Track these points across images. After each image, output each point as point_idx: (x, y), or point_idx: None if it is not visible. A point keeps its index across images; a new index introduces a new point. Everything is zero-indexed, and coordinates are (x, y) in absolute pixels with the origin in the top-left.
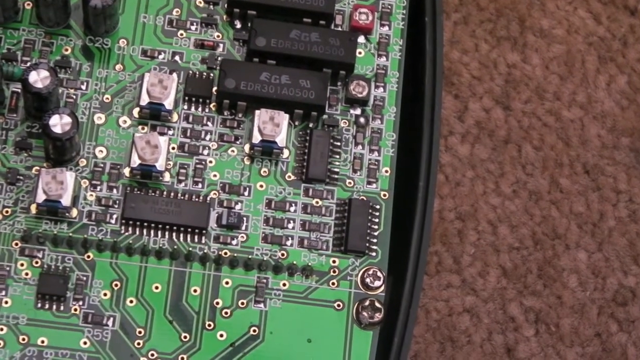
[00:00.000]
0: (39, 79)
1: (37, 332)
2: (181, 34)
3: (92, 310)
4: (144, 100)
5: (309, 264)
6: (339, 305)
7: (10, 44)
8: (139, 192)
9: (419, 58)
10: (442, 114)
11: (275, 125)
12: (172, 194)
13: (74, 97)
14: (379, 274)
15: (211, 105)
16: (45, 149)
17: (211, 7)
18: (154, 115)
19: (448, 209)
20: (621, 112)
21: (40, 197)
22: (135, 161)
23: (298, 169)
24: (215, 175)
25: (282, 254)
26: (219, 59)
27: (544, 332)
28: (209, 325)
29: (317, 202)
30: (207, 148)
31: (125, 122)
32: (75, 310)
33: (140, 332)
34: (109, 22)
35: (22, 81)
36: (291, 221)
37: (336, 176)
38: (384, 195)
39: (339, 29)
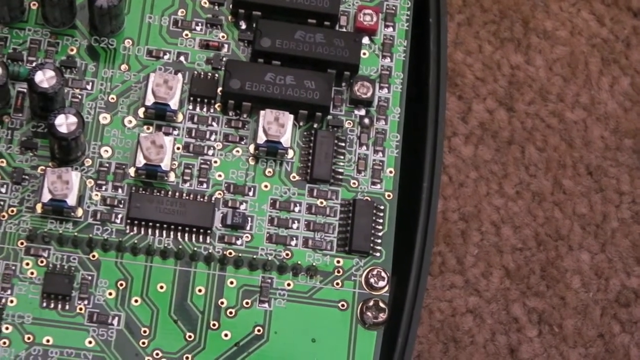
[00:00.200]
0: (44, 78)
1: (42, 331)
2: (186, 35)
3: (97, 310)
4: (149, 100)
5: (314, 264)
6: (343, 306)
7: (16, 44)
8: (144, 192)
9: (423, 59)
10: (445, 115)
11: (280, 126)
12: (177, 194)
13: (80, 97)
14: (383, 274)
15: (216, 106)
16: (51, 149)
17: (216, 7)
18: (159, 116)
19: (451, 210)
20: (624, 113)
21: (46, 197)
22: (141, 161)
23: (302, 169)
24: (220, 176)
25: (287, 254)
26: (224, 59)
27: (547, 333)
28: (214, 324)
29: (321, 203)
30: (212, 148)
31: (130, 122)
32: (81, 309)
33: (145, 332)
34: (115, 23)
35: (27, 81)
36: (296, 221)
37: (340, 177)
38: (388, 195)
39: (344, 30)
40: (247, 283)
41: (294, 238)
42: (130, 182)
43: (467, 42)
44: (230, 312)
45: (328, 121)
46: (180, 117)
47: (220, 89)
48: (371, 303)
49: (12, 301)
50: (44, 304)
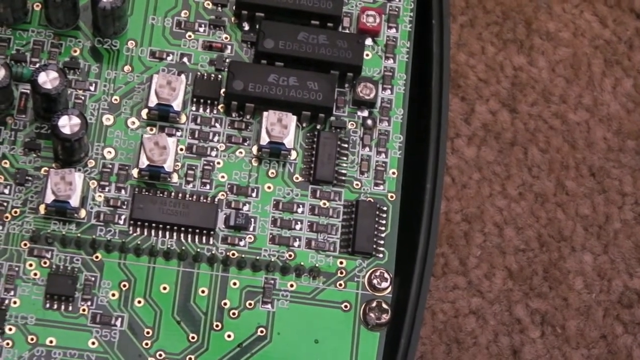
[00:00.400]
0: (48, 80)
1: (45, 332)
2: (189, 36)
3: (101, 311)
4: (153, 101)
5: (317, 265)
6: (346, 307)
7: (19, 45)
8: (147, 193)
9: (425, 60)
10: (448, 116)
11: (283, 127)
12: (180, 195)
13: (83, 98)
14: (386, 275)
15: (219, 107)
16: (54, 150)
17: (219, 9)
18: (163, 117)
19: (454, 211)
20: (627, 115)
21: (49, 198)
22: (144, 162)
23: (305, 170)
24: (223, 177)
25: (290, 255)
26: (227, 60)
27: (550, 334)
28: (217, 325)
29: (324, 204)
30: (215, 149)
31: (133, 123)
32: (84, 310)
33: (148, 333)
34: (118, 24)
35: (31, 82)
36: (299, 222)
37: (343, 178)
38: (391, 196)
39: (347, 31)
40: (250, 284)
41: (297, 239)
42: (134, 183)
43: (470, 44)
44: (233, 313)
45: (331, 122)
46: (183, 118)
47: (223, 90)
48: (374, 304)
49: (15, 302)
50: (47, 305)
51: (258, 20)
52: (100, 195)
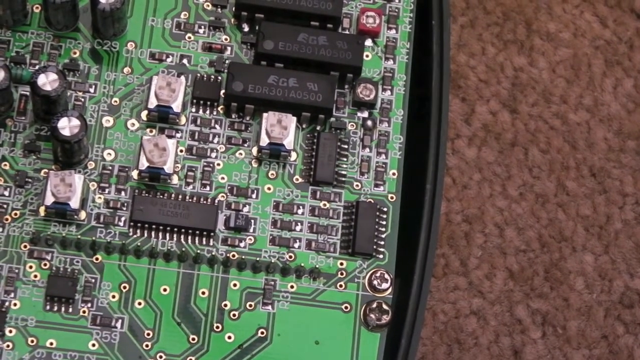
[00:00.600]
0: (47, 81)
1: (45, 334)
2: (189, 37)
3: (101, 312)
4: (152, 103)
5: (317, 266)
6: (346, 308)
7: (19, 47)
8: (147, 194)
9: (426, 61)
10: (449, 117)
11: (282, 128)
12: (180, 196)
13: (83, 100)
14: (386, 276)
15: (219, 108)
16: (54, 152)
17: (219, 10)
18: (162, 118)
19: (455, 212)
20: (627, 115)
21: (49, 200)
22: (144, 164)
23: (305, 171)
24: (223, 178)
25: (290, 256)
26: (227, 62)
27: (551, 335)
28: (217, 327)
29: (324, 205)
30: (215, 151)
31: (133, 124)
32: (84, 312)
33: (148, 334)
34: (118, 25)
35: (30, 84)
36: (299, 224)
37: (343, 179)
38: (392, 197)
39: (347, 32)
40: (250, 285)
41: (297, 240)
42: (134, 185)
43: (470, 44)
44: (234, 315)
45: (331, 123)
46: (183, 119)
47: (223, 91)
48: (374, 305)
49: (15, 304)
50: (48, 307)
51: (258, 21)
52: (100, 197)
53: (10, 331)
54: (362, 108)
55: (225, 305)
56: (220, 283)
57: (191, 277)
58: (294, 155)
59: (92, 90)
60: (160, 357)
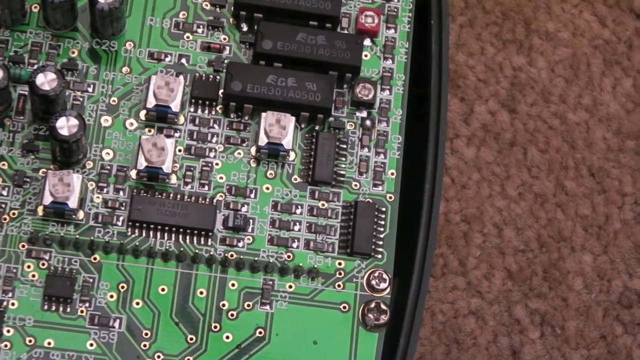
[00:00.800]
0: (46, 81)
1: (43, 334)
2: (188, 37)
3: (99, 312)
4: (151, 102)
5: (315, 266)
6: (344, 308)
7: (17, 47)
8: (145, 194)
9: (424, 61)
10: (447, 117)
11: (281, 128)
12: (178, 196)
13: (81, 99)
14: (384, 276)
15: (217, 108)
16: (52, 151)
17: (218, 9)
18: (161, 118)
19: (454, 212)
20: (626, 115)
21: (47, 199)
22: (142, 163)
23: (304, 171)
24: (221, 178)
25: (288, 256)
26: (226, 61)
27: (550, 335)
28: (215, 327)
29: (323, 205)
30: (213, 150)
31: (131, 124)
32: (82, 312)
33: (146, 334)
34: (116, 25)
35: (29, 83)
36: (297, 223)
37: (342, 179)
38: (390, 197)
39: (345, 31)
40: (248, 285)
41: (296, 240)
42: (132, 185)
43: (469, 44)
44: (232, 315)
45: (329, 123)
46: (181, 119)
47: (221, 91)
48: (373, 305)
49: (13, 304)
50: (46, 307)
51: (256, 21)
52: (98, 197)
53: (8, 331)
54: (361, 108)
55: (224, 305)
56: (219, 283)
57: (189, 277)
58: (292, 155)
59: (90, 89)
60: (158, 357)
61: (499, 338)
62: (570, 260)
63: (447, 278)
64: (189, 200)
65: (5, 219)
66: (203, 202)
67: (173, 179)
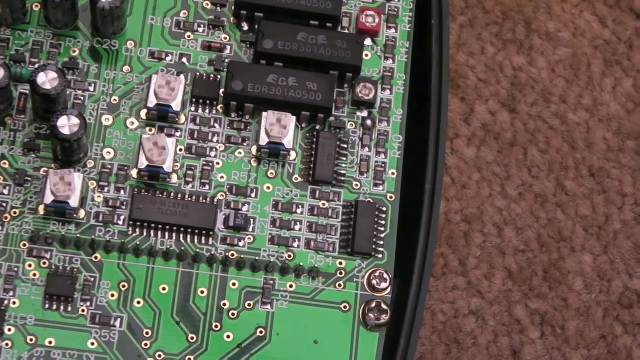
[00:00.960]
0: (47, 80)
1: (45, 333)
2: (189, 36)
3: (100, 311)
4: (152, 102)
5: (316, 265)
6: (345, 307)
7: (18, 46)
8: (146, 193)
9: (425, 61)
10: (448, 117)
11: (282, 127)
12: (179, 195)
13: (82, 98)
14: (385, 275)
15: (218, 107)
16: (54, 150)
17: (218, 9)
18: (162, 117)
19: (454, 212)
20: (627, 115)
21: (49, 198)
22: (143, 163)
23: (305, 171)
24: (222, 177)
25: (289, 256)
26: (227, 61)
27: (550, 335)
28: (216, 326)
29: (323, 204)
30: (214, 150)
31: (132, 123)
32: (83, 311)
33: (147, 333)
34: (117, 24)
35: (30, 82)
36: (298, 223)
37: (343, 178)
38: (391, 197)
39: (346, 31)
40: (249, 285)
41: (297, 240)
42: (133, 184)
43: (470, 44)
44: (233, 314)
45: (330, 123)
46: (182, 118)
47: (222, 90)
48: (373, 305)
49: (14, 303)
50: (47, 306)
51: (257, 20)
52: (99, 196)
53: (10, 330)
54: (362, 107)
55: (224, 304)
56: (220, 282)
57: (190, 276)
58: (293, 155)
59: (91, 89)
60: (159, 356)
61: (499, 338)
62: (571, 261)
63: (448, 278)
64: (190, 199)
65: (6, 218)
66: (204, 201)
67: (174, 179)
